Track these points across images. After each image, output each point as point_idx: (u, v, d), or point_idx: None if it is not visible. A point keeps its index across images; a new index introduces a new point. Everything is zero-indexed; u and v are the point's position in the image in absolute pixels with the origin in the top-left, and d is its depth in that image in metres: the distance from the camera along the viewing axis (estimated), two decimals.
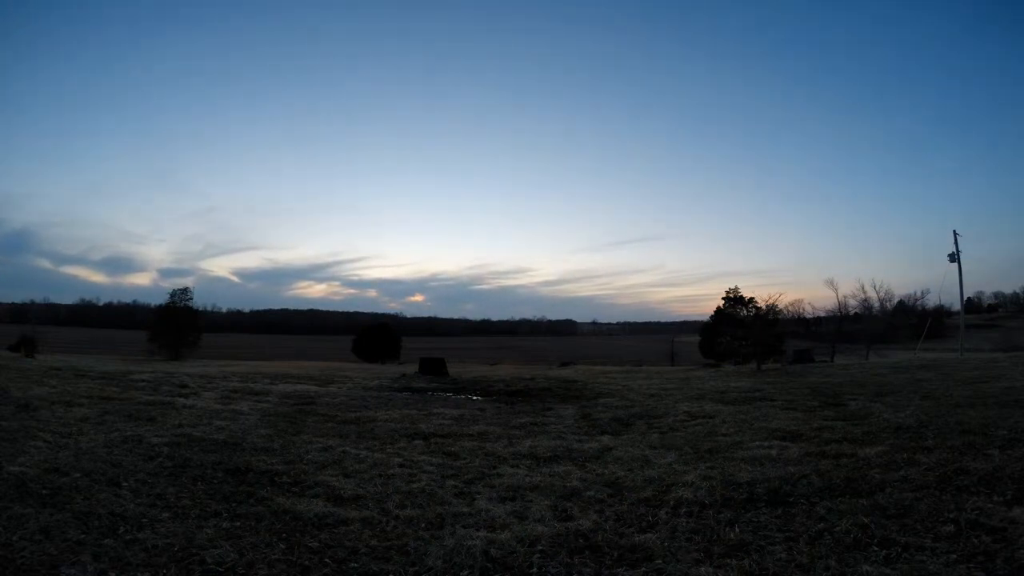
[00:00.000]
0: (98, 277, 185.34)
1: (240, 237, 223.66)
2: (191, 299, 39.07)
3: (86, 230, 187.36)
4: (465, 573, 2.76)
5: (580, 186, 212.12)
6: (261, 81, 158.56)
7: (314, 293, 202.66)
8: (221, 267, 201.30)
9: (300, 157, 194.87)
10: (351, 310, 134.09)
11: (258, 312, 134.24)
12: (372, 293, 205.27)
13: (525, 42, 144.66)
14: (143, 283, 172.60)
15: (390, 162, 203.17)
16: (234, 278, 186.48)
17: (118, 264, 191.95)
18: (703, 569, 2.71)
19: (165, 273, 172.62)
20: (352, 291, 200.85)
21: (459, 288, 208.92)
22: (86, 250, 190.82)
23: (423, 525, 3.43)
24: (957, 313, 38.32)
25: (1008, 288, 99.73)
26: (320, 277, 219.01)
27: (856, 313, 46.74)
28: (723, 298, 37.31)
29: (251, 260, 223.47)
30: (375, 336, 41.74)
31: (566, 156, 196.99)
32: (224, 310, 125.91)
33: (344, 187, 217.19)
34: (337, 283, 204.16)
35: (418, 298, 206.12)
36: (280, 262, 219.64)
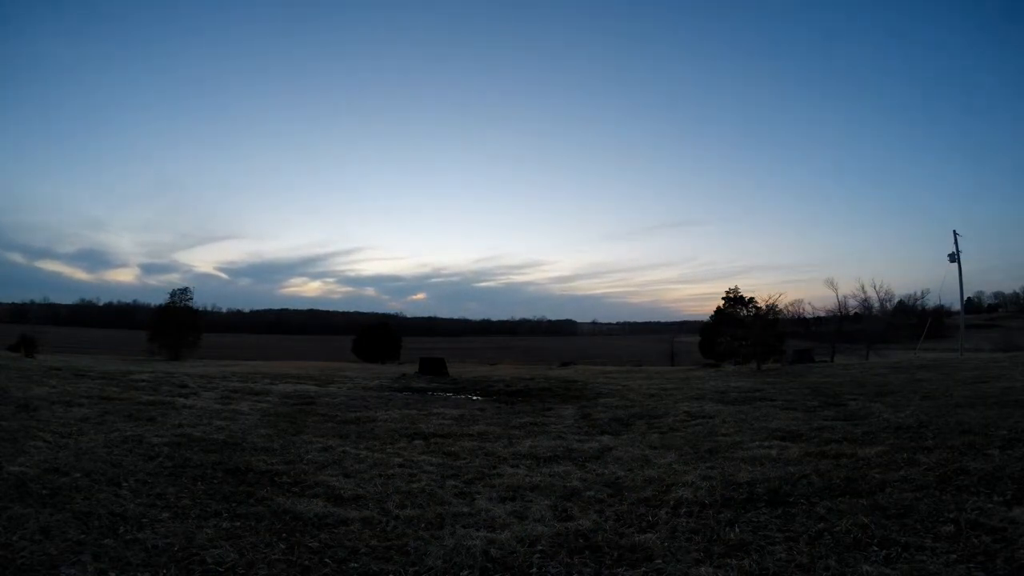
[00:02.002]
0: (81, 274, 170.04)
1: (214, 223, 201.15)
2: (191, 299, 39.05)
3: (39, 215, 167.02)
4: (465, 573, 2.76)
5: (607, 170, 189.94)
6: (222, 38, 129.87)
7: (310, 291, 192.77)
8: (203, 261, 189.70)
9: (274, 128, 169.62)
10: (351, 310, 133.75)
11: (258, 312, 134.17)
12: (370, 291, 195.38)
13: (551, 16, 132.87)
14: (127, 280, 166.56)
15: (386, 138, 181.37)
16: (221, 274, 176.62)
17: (93, 258, 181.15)
18: (703, 569, 2.71)
19: (147, 269, 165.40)
20: (349, 289, 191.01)
21: (463, 285, 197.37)
22: (52, 240, 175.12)
23: (423, 525, 3.43)
24: (957, 313, 38.28)
25: (1008, 288, 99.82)
26: (314, 273, 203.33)
27: (856, 313, 46.67)
28: (723, 298, 37.36)
29: (233, 252, 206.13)
30: (375, 336, 41.72)
31: (592, 137, 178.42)
32: (224, 310, 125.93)
33: (331, 164, 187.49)
34: (333, 280, 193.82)
35: (419, 297, 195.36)
36: (265, 255, 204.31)
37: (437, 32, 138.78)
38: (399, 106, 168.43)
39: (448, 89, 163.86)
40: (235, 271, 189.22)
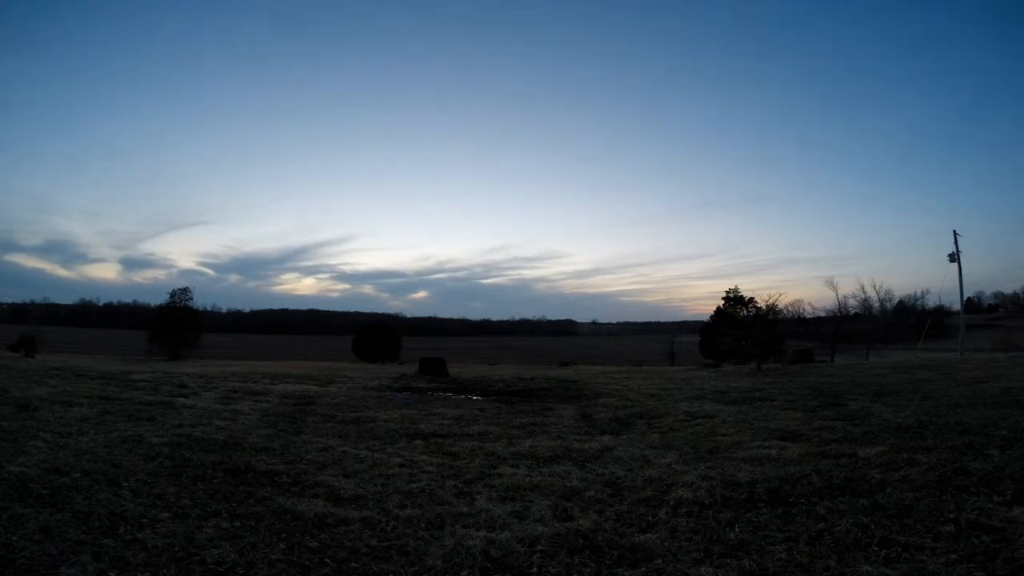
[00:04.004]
0: (61, 271, 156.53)
1: (179, 206, 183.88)
2: (191, 299, 39.25)
3: None
4: (465, 573, 2.76)
5: (643, 143, 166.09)
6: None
7: (305, 289, 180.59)
8: (181, 253, 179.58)
9: (240, 94, 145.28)
10: (351, 309, 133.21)
11: (258, 312, 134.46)
12: (368, 289, 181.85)
13: None
14: (109, 276, 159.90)
15: (378, 108, 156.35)
16: (206, 270, 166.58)
17: (63, 251, 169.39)
18: (703, 569, 2.71)
19: (127, 264, 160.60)
20: (346, 286, 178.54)
21: (468, 281, 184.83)
22: (12, 227, 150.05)
23: (423, 525, 3.43)
24: (957, 313, 38.31)
25: (1008, 288, 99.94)
26: (306, 268, 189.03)
27: (856, 313, 46.76)
28: (723, 298, 37.31)
29: (210, 243, 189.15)
30: (375, 336, 41.67)
31: (623, 108, 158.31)
32: (224, 310, 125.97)
33: (312, 138, 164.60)
34: (327, 275, 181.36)
35: (421, 295, 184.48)
36: (246, 246, 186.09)
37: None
38: (394, 74, 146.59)
39: (451, 57, 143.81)
40: (220, 266, 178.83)
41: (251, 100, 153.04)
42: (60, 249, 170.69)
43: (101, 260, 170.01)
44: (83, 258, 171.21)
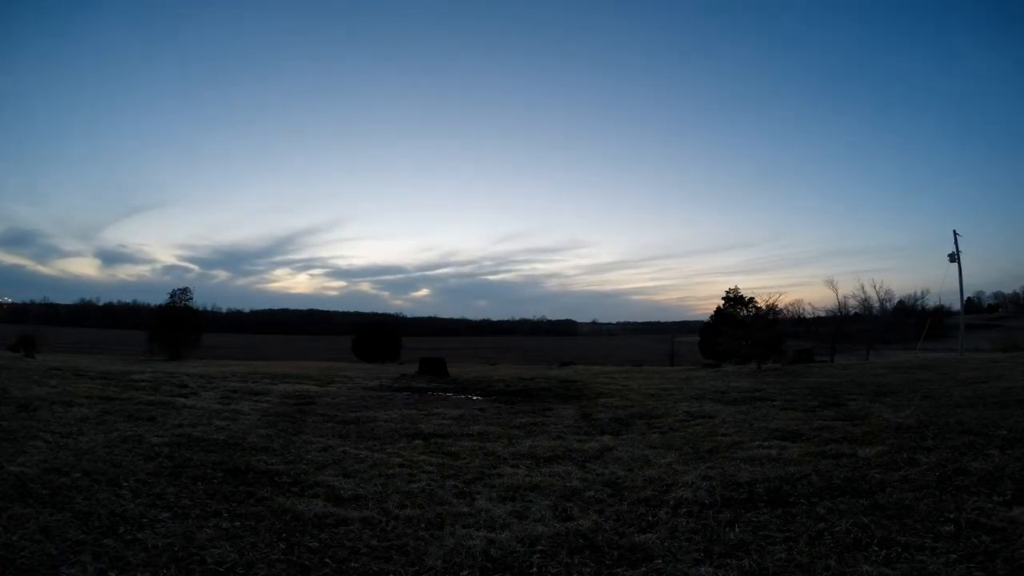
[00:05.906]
0: (40, 268, 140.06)
1: (135, 182, 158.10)
2: (191, 299, 39.36)
3: None
4: (465, 573, 2.76)
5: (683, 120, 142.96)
6: None
7: (301, 287, 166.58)
8: (158, 246, 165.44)
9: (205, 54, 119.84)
10: (351, 309, 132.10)
11: (257, 312, 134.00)
12: (366, 286, 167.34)
13: None
14: (89, 272, 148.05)
15: (378, 79, 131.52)
16: (190, 265, 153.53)
17: (32, 243, 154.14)
18: (703, 569, 2.71)
19: (105, 259, 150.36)
20: (343, 283, 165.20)
21: (473, 279, 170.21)
22: None
23: (423, 525, 3.43)
24: (957, 313, 38.37)
25: (1008, 288, 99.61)
26: (298, 263, 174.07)
27: (856, 313, 46.82)
28: (723, 298, 37.31)
29: (179, 231, 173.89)
30: (375, 336, 41.65)
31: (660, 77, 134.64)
32: (224, 310, 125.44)
33: (289, 98, 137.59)
34: (321, 271, 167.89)
35: (422, 293, 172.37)
36: (218, 231, 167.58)
37: None
38: (391, 39, 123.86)
39: (458, 27, 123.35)
40: (202, 261, 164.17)
41: (216, 63, 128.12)
42: (27, 241, 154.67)
43: (77, 255, 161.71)
44: (56, 252, 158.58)
